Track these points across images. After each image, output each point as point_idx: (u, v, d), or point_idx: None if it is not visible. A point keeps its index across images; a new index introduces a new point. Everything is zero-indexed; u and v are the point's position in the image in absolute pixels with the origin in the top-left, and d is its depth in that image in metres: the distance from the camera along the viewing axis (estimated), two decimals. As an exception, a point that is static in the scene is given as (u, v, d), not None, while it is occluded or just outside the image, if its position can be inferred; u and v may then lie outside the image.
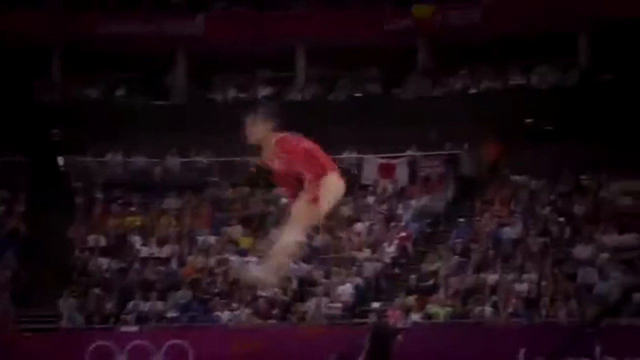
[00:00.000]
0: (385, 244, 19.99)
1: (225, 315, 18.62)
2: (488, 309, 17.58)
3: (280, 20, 23.85)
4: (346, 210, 20.96)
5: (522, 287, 17.83)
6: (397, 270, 19.53)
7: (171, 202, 22.00)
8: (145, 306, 18.97)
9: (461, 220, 20.27)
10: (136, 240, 20.70)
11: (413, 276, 18.89)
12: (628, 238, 18.28)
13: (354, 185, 21.56)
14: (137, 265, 20.02)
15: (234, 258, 19.91)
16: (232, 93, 24.14)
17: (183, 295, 19.15)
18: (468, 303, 17.90)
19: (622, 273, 17.52)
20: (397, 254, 19.79)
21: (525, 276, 17.98)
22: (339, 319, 18.37)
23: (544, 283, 17.66)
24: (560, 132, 21.24)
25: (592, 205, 19.46)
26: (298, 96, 23.80)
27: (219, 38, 23.66)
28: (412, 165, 22.08)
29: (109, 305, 19.08)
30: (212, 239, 20.67)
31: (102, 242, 20.74)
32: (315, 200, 6.67)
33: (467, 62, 23.13)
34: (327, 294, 18.86)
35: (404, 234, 20.03)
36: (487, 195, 20.86)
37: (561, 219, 19.18)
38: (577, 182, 20.28)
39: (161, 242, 20.63)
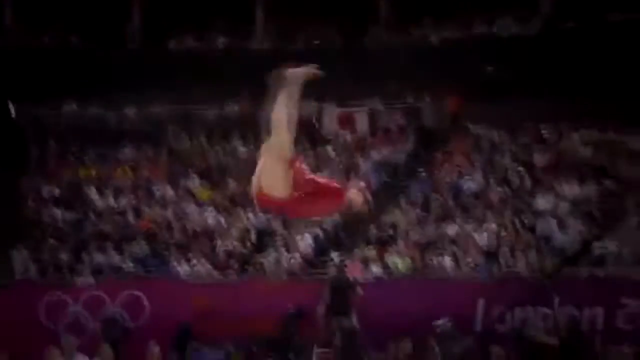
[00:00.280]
0: (344, 195, 19.81)
1: (182, 268, 18.40)
2: (448, 260, 17.53)
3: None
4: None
5: (481, 238, 17.79)
6: (356, 221, 19.37)
7: (127, 153, 21.65)
8: (100, 258, 18.70)
9: (421, 171, 20.17)
10: (91, 191, 20.37)
11: (372, 227, 18.77)
12: (588, 189, 18.26)
13: (314, 136, 21.40)
14: (92, 216, 19.73)
15: (191, 210, 19.70)
16: (189, 42, 23.72)
17: (139, 247, 18.90)
18: (427, 254, 17.83)
19: (582, 224, 17.51)
20: (357, 206, 19.61)
21: (485, 227, 17.95)
22: (298, 271, 18.23)
23: (503, 234, 17.63)
24: (522, 83, 21.11)
25: (552, 156, 19.42)
26: (257, 46, 23.45)
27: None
28: (373, 116, 21.92)
29: (64, 257, 18.79)
30: (169, 191, 20.40)
31: (57, 193, 20.40)
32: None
33: (429, 12, 22.89)
34: (286, 246, 18.72)
35: (363, 184, 19.83)
36: (448, 147, 20.76)
37: (521, 170, 19.12)
38: (538, 133, 20.21)
39: (117, 194, 20.33)
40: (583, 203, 18.04)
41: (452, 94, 21.44)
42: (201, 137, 21.90)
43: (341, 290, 16.02)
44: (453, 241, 17.98)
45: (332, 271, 16.81)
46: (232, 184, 20.41)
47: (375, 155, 20.80)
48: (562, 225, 17.64)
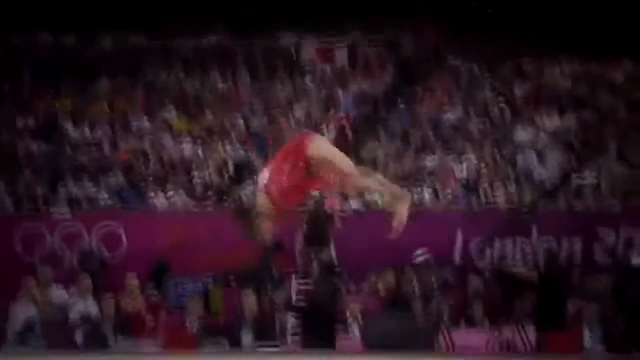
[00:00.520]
0: (324, 129, 19.69)
1: (159, 199, 18.26)
2: (427, 193, 17.47)
3: None
4: (284, 94, 20.59)
5: (461, 171, 17.73)
6: (335, 155, 19.25)
7: (104, 86, 21.35)
8: (77, 190, 18.52)
9: (401, 105, 20.02)
10: (67, 123, 20.10)
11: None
12: (568, 121, 18.20)
13: (293, 69, 21.19)
14: (68, 149, 19.49)
15: (168, 142, 19.50)
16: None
17: (116, 179, 18.72)
18: (407, 187, 17.74)
19: (562, 156, 17.48)
20: (336, 139, 19.50)
21: (464, 160, 17.88)
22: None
23: (483, 167, 17.57)
24: (503, 15, 20.92)
25: (533, 88, 19.31)
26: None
27: None
28: (353, 49, 21.69)
29: (39, 190, 18.59)
30: (146, 123, 20.17)
31: (32, 124, 20.12)
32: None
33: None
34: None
35: (342, 117, 19.74)
36: (428, 80, 20.59)
37: (502, 102, 19.02)
38: (518, 65, 20.08)
39: (93, 126, 20.07)
40: (563, 135, 17.99)
41: (434, 28, 21.23)
42: (179, 69, 21.62)
43: (320, 222, 15.97)
44: (432, 174, 17.92)
45: (310, 204, 16.72)
46: (209, 116, 20.20)
47: (354, 88, 20.62)
48: (541, 157, 17.60)
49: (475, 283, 14.68)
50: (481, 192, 17.31)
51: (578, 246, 16.11)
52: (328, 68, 21.34)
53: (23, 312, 12.58)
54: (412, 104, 20.03)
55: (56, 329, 11.56)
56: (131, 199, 18.45)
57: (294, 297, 15.29)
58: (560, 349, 10.33)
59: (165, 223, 17.44)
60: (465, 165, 17.76)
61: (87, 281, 12.64)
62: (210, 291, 16.51)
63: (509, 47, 20.17)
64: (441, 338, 11.85)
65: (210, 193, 18.31)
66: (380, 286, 13.38)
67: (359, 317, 13.78)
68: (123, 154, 19.35)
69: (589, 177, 16.97)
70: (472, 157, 17.87)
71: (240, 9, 22.22)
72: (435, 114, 19.37)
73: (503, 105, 18.96)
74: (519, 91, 19.36)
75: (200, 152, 19.26)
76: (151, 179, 18.64)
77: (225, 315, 14.63)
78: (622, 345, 10.43)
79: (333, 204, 16.98)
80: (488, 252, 16.36)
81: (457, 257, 16.38)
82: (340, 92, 20.66)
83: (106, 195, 18.44)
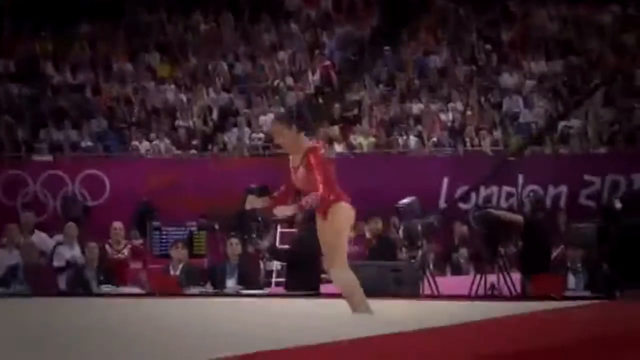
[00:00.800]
0: (308, 73, 19.49)
1: (143, 146, 18.08)
2: (412, 139, 17.36)
3: None
4: (268, 38, 20.32)
5: (447, 116, 17.60)
6: (320, 100, 19.09)
7: (85, 27, 21.00)
8: (58, 135, 18.31)
9: (386, 48, 19.79)
10: (48, 66, 19.81)
11: (337, 106, 18.48)
12: (554, 65, 18.03)
13: (277, 13, 20.89)
14: (49, 92, 19.23)
15: (151, 87, 19.27)
16: None
17: (98, 124, 18.51)
18: (392, 133, 17.63)
19: (548, 101, 17.34)
20: (321, 83, 19.33)
21: (450, 105, 17.74)
22: (260, 149, 17.99)
23: (469, 112, 17.44)
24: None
25: (519, 32, 19.09)
26: None
27: None
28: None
29: (21, 134, 18.37)
30: (128, 67, 19.90)
31: (12, 68, 19.82)
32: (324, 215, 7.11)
33: None
34: (248, 124, 18.43)
35: (327, 62, 19.51)
36: (413, 23, 20.33)
37: (488, 47, 18.82)
38: (505, 8, 19.82)
39: (75, 69, 19.79)
40: (549, 80, 17.84)
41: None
42: (161, 11, 21.28)
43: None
44: (418, 119, 17.78)
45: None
46: (193, 60, 19.95)
47: (339, 31, 20.35)
48: (527, 102, 17.47)
49: (460, 228, 14.63)
50: (466, 137, 17.19)
51: (563, 191, 16.05)
52: (313, 11, 21.02)
53: (6, 258, 12.46)
54: (397, 47, 19.81)
55: (39, 275, 11.46)
56: (113, 144, 18.27)
57: (278, 242, 15.22)
58: (544, 293, 10.31)
59: (148, 169, 17.29)
60: (450, 111, 17.62)
61: (73, 227, 12.53)
62: (194, 235, 16.42)
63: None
64: (426, 283, 11.80)
65: (194, 139, 18.15)
66: (366, 232, 13.30)
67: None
68: (105, 98, 19.11)
69: (574, 123, 16.87)
70: (458, 102, 17.73)
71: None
72: (420, 58, 19.17)
73: (489, 48, 18.76)
74: (505, 36, 19.16)
75: (183, 98, 19.05)
76: (134, 124, 18.45)
77: (209, 258, 14.55)
78: (605, 289, 10.41)
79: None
80: (473, 197, 16.29)
81: (442, 203, 16.31)
82: (325, 36, 20.40)
83: (88, 141, 18.26)
